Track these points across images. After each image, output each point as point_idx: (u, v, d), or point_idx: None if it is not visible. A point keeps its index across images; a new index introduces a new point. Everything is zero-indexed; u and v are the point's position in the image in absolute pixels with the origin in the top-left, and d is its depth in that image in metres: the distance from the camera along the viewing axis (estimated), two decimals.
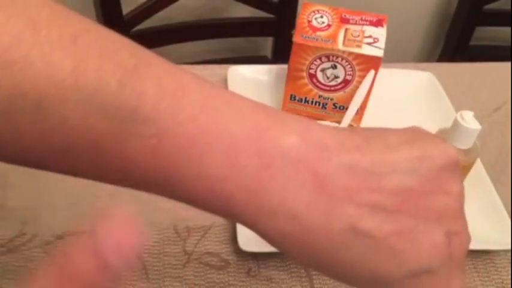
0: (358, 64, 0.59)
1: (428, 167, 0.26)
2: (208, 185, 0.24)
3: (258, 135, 0.24)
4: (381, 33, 0.58)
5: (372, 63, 0.58)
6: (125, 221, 0.23)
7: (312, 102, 0.63)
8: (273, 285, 0.51)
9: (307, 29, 0.58)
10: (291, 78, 0.61)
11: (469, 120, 0.48)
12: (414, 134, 0.28)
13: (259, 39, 1.26)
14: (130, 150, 0.23)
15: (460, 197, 0.28)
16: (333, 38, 0.57)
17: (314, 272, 0.52)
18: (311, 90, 0.62)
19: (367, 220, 0.25)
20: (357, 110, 0.62)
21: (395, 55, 0.94)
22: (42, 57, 0.22)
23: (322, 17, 0.59)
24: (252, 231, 0.26)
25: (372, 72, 0.58)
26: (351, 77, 0.60)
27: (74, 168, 0.25)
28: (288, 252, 0.26)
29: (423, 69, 0.75)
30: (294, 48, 0.59)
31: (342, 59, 0.58)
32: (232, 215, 0.25)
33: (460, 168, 0.28)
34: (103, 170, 0.24)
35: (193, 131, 0.23)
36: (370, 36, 0.58)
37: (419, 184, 0.26)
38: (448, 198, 0.27)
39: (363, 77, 0.59)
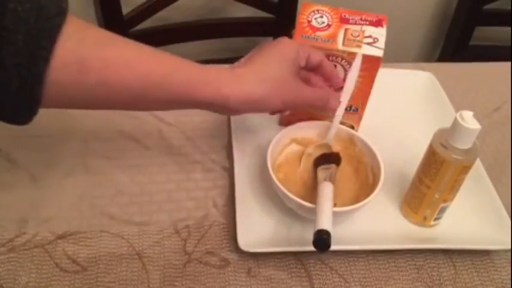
0: None
1: None
2: (203, 89, 0.48)
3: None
4: (380, 33, 0.58)
5: (372, 63, 0.58)
6: None
7: None
8: (273, 285, 0.51)
9: (307, 29, 0.58)
10: None
11: (469, 120, 0.48)
12: None
13: (259, 39, 1.26)
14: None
15: None
16: (333, 38, 0.57)
17: (314, 272, 0.52)
18: None
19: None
20: (357, 108, 0.62)
21: (395, 55, 0.94)
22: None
23: (322, 17, 0.59)
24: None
25: (360, 54, 0.57)
26: None
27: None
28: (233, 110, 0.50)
29: (423, 69, 0.75)
30: None
31: (342, 59, 0.58)
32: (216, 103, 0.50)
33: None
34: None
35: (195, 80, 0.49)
36: (370, 36, 0.58)
37: None
38: None
39: (363, 77, 0.59)
